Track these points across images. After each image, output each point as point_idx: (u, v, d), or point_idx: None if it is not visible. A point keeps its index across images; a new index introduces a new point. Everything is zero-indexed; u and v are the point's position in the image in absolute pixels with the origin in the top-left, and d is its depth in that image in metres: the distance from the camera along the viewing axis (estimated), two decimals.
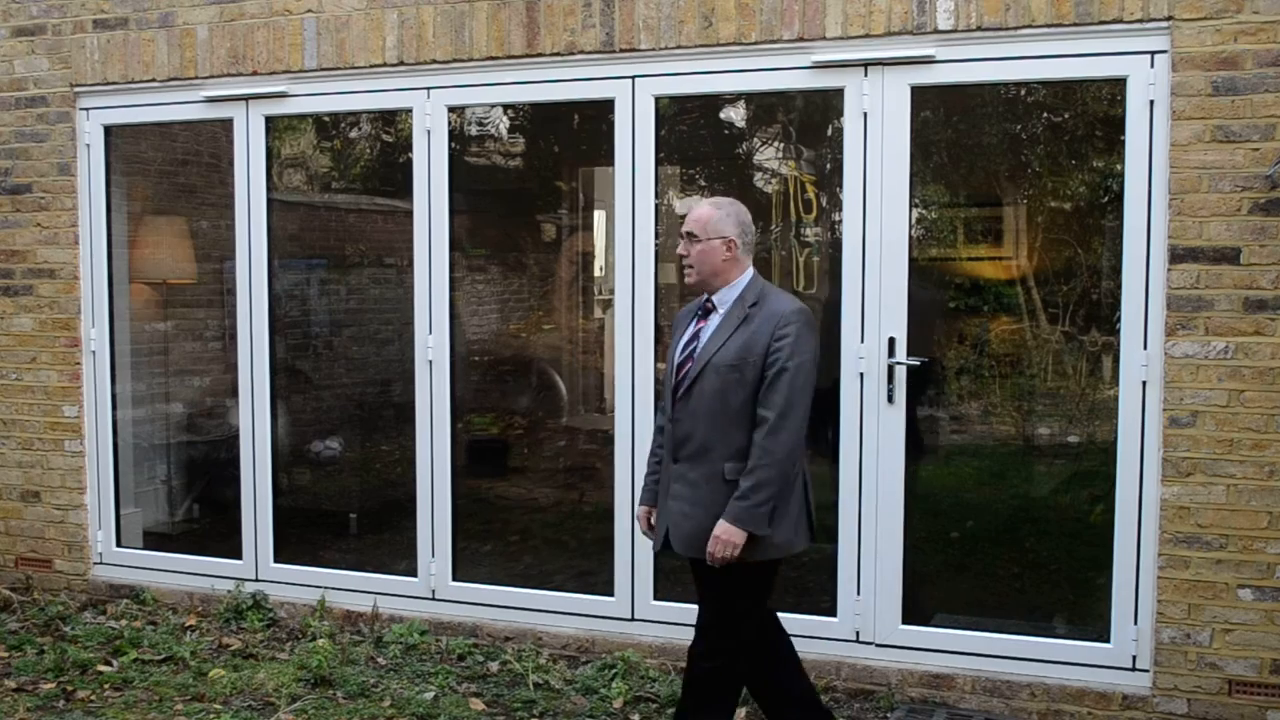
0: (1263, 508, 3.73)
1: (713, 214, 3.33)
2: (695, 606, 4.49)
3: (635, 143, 4.48)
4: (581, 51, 4.49)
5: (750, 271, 3.36)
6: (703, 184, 6.43)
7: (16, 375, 5.44)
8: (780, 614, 4.41)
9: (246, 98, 5.03)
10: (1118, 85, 3.95)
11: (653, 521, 3.53)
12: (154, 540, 5.67)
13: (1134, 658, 3.95)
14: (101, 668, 4.48)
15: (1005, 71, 4.05)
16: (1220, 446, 3.76)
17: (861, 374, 4.20)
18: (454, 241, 4.86)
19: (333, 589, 5.01)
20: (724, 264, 3.31)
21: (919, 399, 4.38)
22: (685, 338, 3.39)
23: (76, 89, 5.27)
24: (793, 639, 4.34)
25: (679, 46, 4.35)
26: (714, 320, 3.33)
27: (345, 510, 6.00)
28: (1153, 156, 3.84)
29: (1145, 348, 3.87)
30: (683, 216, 6.29)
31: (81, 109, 5.30)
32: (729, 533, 3.15)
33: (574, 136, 6.31)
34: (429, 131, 4.76)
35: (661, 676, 4.35)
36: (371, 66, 4.78)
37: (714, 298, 3.36)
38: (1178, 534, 3.81)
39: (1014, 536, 4.75)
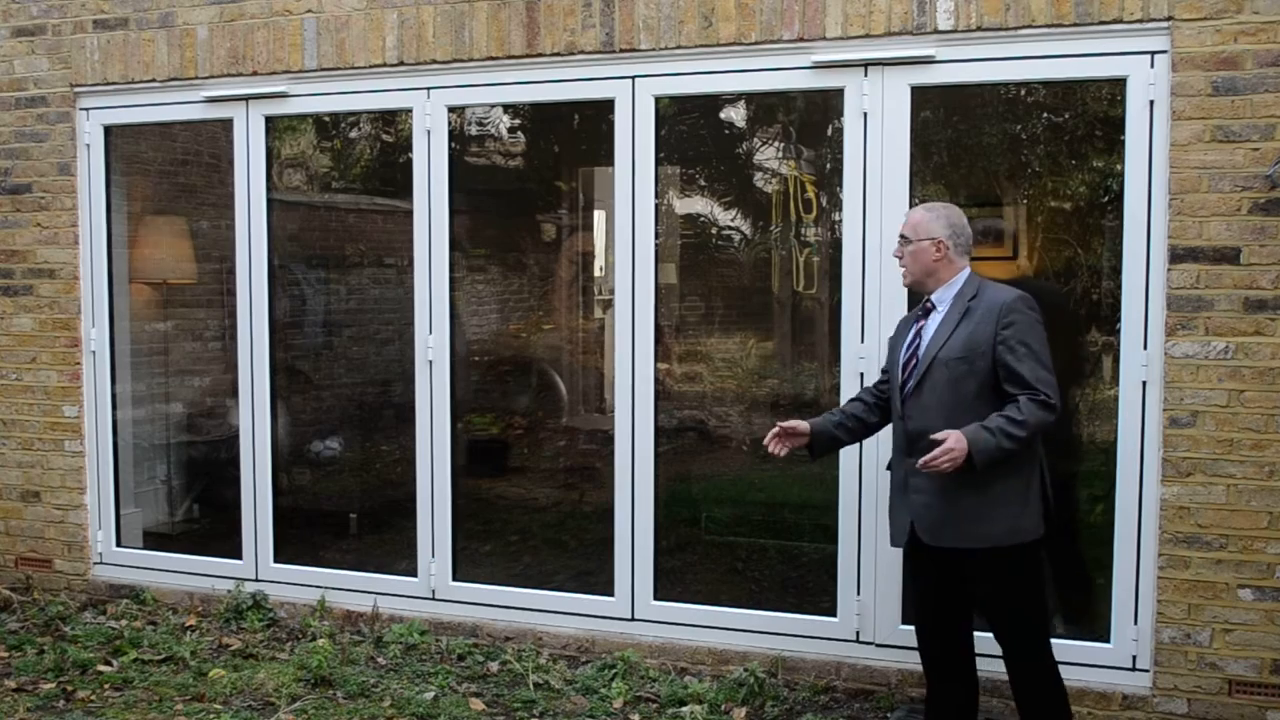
0: (1263, 508, 3.73)
1: (923, 217, 3.47)
2: (696, 607, 4.52)
3: (635, 143, 4.48)
4: (581, 51, 4.49)
5: (966, 271, 3.47)
6: (703, 184, 6.44)
7: (16, 375, 5.44)
8: (780, 614, 4.45)
9: (246, 98, 5.03)
10: (1118, 85, 3.95)
11: (799, 429, 3.63)
12: (154, 540, 5.66)
13: (1134, 658, 3.95)
14: (101, 668, 4.48)
15: (1005, 71, 4.05)
16: (1220, 446, 3.76)
17: (862, 374, 4.20)
18: (454, 241, 4.85)
19: (333, 589, 5.01)
20: (935, 264, 3.44)
21: None
22: (908, 338, 3.49)
23: (76, 89, 5.27)
24: (793, 639, 4.36)
25: (679, 46, 4.35)
26: (934, 319, 3.44)
27: (345, 510, 6.00)
28: (1153, 156, 3.84)
29: (1145, 348, 3.87)
30: (684, 216, 6.33)
31: (81, 109, 5.30)
32: (960, 443, 3.16)
33: (574, 136, 6.31)
34: (429, 131, 4.76)
35: (661, 676, 4.35)
36: (371, 66, 4.78)
37: (932, 297, 3.47)
38: (1178, 534, 3.81)
39: None
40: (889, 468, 3.62)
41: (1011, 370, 3.24)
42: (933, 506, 3.36)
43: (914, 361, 3.43)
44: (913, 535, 3.42)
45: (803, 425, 3.65)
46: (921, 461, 3.21)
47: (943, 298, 3.45)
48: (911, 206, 4.21)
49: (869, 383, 4.19)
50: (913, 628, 4.17)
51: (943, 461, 3.16)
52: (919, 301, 3.58)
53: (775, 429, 3.66)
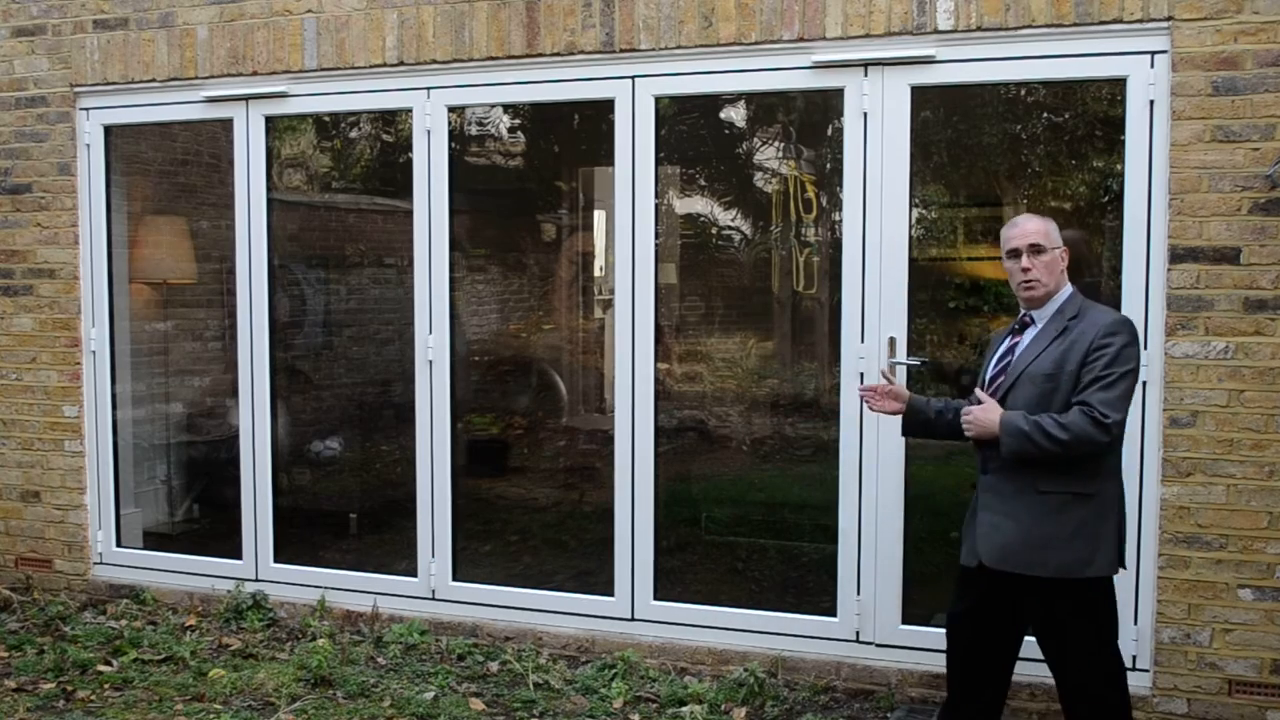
0: (1263, 508, 3.73)
1: (1047, 223, 3.29)
2: (696, 607, 4.52)
3: (635, 143, 4.48)
4: (581, 51, 4.49)
5: (1070, 287, 3.31)
6: (703, 184, 6.44)
7: (16, 375, 5.44)
8: (780, 614, 4.44)
9: (246, 98, 5.03)
10: (1118, 85, 3.95)
11: (900, 393, 3.58)
12: (154, 540, 5.66)
13: (1134, 657, 3.95)
14: (101, 668, 4.48)
15: (1005, 71, 4.05)
16: (1220, 446, 3.76)
17: (861, 374, 4.20)
18: (454, 241, 4.85)
19: (333, 589, 5.01)
20: (1061, 274, 3.29)
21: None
22: (999, 352, 3.37)
23: (76, 89, 5.27)
24: (793, 639, 4.36)
25: (679, 46, 4.35)
26: (1029, 334, 3.30)
27: (345, 510, 6.00)
28: (1153, 156, 3.84)
29: (1145, 348, 3.87)
30: (684, 216, 6.33)
31: (81, 109, 5.30)
32: (991, 413, 3.18)
33: (574, 136, 6.31)
34: (429, 131, 4.76)
35: (661, 676, 4.35)
36: (371, 66, 4.78)
37: (1034, 313, 3.31)
38: (1178, 534, 3.81)
39: None
40: (974, 486, 3.44)
41: (1084, 388, 3.11)
42: (1000, 528, 3.22)
43: (1003, 378, 3.29)
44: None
45: (903, 391, 3.58)
46: (963, 409, 3.24)
47: (1043, 314, 3.29)
48: (912, 207, 4.22)
49: (869, 382, 4.20)
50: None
51: (967, 419, 3.20)
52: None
53: (879, 384, 3.59)
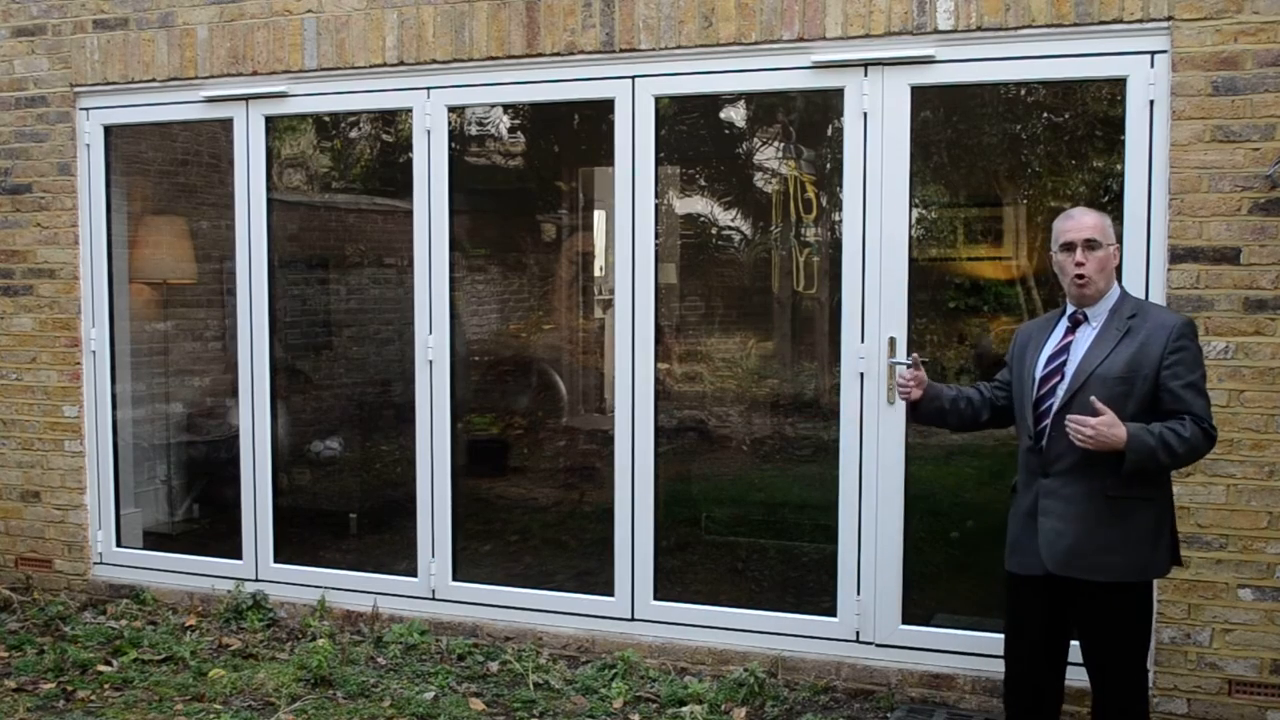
0: (1263, 508, 3.74)
1: (1103, 219, 3.18)
2: (696, 607, 4.52)
3: (635, 143, 4.48)
4: (581, 51, 4.49)
5: (1118, 285, 3.22)
6: (703, 184, 6.44)
7: (16, 375, 5.44)
8: (780, 614, 4.44)
9: (246, 98, 5.03)
10: (1118, 85, 3.95)
11: (922, 379, 3.39)
12: (154, 540, 5.66)
13: None
14: (101, 668, 4.48)
15: (1005, 71, 4.05)
16: (1220, 446, 3.73)
17: (861, 374, 4.20)
18: (454, 241, 4.86)
19: (333, 589, 5.01)
20: (1113, 271, 3.19)
21: None
22: (1049, 351, 3.23)
23: (76, 89, 5.27)
24: (793, 639, 4.36)
25: (679, 46, 4.36)
26: (1086, 333, 3.18)
27: (345, 510, 6.00)
28: (1153, 156, 3.84)
29: None
30: (684, 216, 6.33)
31: (81, 109, 5.30)
32: (1117, 428, 2.95)
33: (574, 136, 6.31)
34: (429, 131, 4.76)
35: (661, 676, 4.35)
36: (371, 66, 4.78)
37: (1086, 310, 3.19)
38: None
39: None
40: (1013, 490, 3.34)
41: (1179, 397, 3.02)
42: (1065, 534, 3.11)
43: (1059, 378, 3.16)
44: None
45: (924, 377, 3.42)
46: (1070, 417, 3.03)
47: (1098, 311, 3.17)
48: (912, 207, 4.22)
49: (869, 385, 4.20)
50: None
51: (1086, 431, 2.97)
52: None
53: (913, 373, 3.40)
